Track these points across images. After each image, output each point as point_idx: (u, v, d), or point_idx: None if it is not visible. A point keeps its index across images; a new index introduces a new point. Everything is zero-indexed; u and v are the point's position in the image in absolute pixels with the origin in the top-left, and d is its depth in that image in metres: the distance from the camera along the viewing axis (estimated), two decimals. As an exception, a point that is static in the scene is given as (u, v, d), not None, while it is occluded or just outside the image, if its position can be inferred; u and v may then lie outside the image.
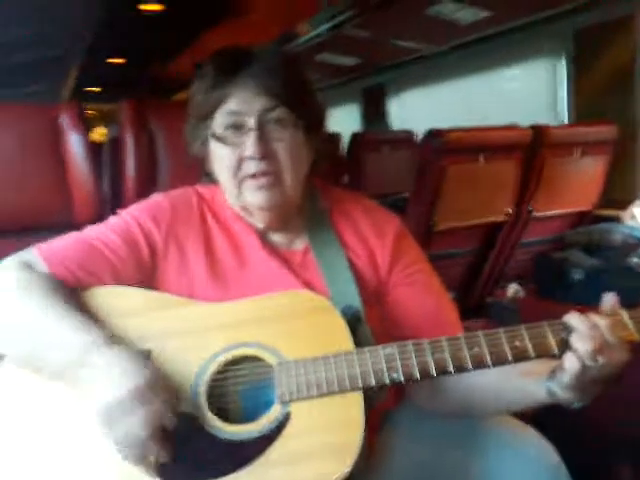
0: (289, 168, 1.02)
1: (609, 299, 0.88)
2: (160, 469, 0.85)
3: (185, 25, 5.15)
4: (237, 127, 1.01)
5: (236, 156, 1.01)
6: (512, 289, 2.56)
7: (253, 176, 1.01)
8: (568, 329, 0.86)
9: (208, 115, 1.03)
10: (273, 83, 1.00)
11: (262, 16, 4.56)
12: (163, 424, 0.83)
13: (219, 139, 1.02)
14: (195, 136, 1.07)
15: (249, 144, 0.99)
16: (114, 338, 0.90)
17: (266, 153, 1.00)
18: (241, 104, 1.00)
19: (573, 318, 0.86)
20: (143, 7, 4.76)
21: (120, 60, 6.89)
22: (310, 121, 1.05)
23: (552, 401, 0.89)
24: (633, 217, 2.64)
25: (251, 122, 1.00)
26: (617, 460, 1.52)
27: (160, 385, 0.85)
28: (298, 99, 1.03)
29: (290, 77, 1.03)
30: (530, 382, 0.92)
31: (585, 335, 0.83)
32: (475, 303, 2.66)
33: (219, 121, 1.02)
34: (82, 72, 6.42)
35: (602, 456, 1.53)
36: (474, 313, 2.56)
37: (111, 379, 0.83)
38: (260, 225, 1.09)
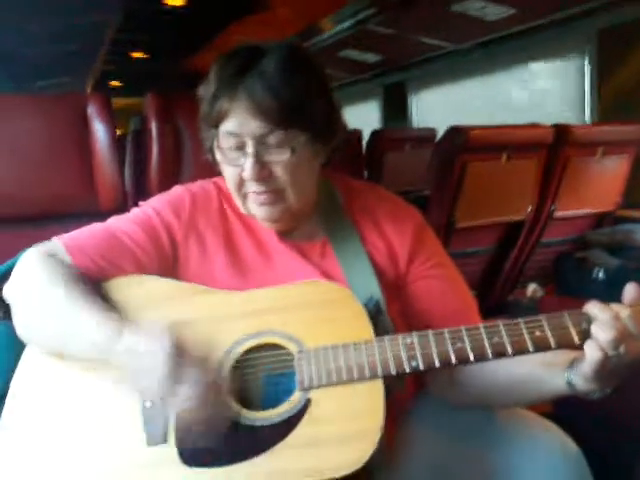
0: (290, 186, 1.02)
1: (632, 289, 0.87)
2: (182, 454, 0.87)
3: (209, 20, 5.16)
4: (238, 147, 1.01)
5: (238, 174, 1.02)
6: (531, 288, 2.54)
7: (255, 192, 1.02)
8: (589, 319, 0.86)
9: (212, 126, 1.03)
10: (270, 105, 0.96)
11: (286, 11, 4.56)
12: (205, 379, 0.86)
13: (222, 156, 1.03)
14: (206, 137, 1.08)
15: (246, 168, 0.99)
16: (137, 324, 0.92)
17: (264, 176, 1.00)
18: (239, 126, 0.99)
19: (594, 307, 0.86)
20: (166, 1, 4.79)
21: (143, 55, 6.93)
22: (316, 130, 1.02)
23: (571, 392, 0.89)
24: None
25: (249, 146, 0.99)
26: (634, 457, 1.51)
27: (183, 351, 0.87)
28: (299, 116, 0.99)
29: (291, 92, 0.98)
30: (549, 373, 0.92)
31: (606, 324, 0.83)
32: (495, 302, 2.65)
33: (222, 136, 1.02)
34: (105, 66, 6.47)
35: (623, 450, 1.52)
36: (494, 312, 2.54)
37: (143, 365, 0.86)
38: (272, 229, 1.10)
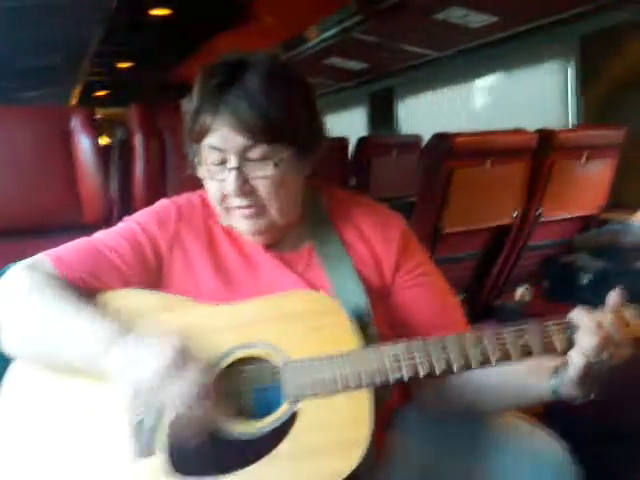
0: (273, 201, 1.02)
1: (615, 295, 0.89)
2: (171, 466, 0.87)
3: (194, 30, 5.18)
4: (220, 162, 1.01)
5: (220, 189, 1.02)
6: (519, 291, 2.56)
7: (238, 207, 1.03)
8: (572, 327, 0.87)
9: (195, 141, 1.03)
10: (253, 120, 0.96)
11: (271, 20, 4.59)
12: (204, 381, 0.85)
13: (204, 171, 1.03)
14: (189, 153, 1.07)
15: (229, 183, 0.99)
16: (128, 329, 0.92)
17: (246, 191, 1.00)
18: (221, 141, 0.99)
19: (578, 314, 0.87)
20: (152, 12, 4.80)
21: (128, 64, 6.94)
22: (299, 144, 1.03)
23: (557, 398, 0.90)
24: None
25: (232, 161, 0.99)
26: (631, 460, 1.52)
27: (189, 350, 0.87)
28: (282, 131, 0.99)
29: (274, 107, 0.98)
30: (535, 379, 0.92)
31: (589, 331, 0.84)
32: (483, 306, 2.66)
33: (204, 151, 1.02)
34: (90, 76, 6.47)
35: (615, 457, 1.53)
36: (482, 316, 2.56)
37: (142, 359, 0.85)
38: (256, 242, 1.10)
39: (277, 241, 1.10)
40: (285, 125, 0.99)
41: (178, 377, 0.84)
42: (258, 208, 1.02)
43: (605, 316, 0.85)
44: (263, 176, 1.00)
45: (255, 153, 0.99)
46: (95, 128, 1.56)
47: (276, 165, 1.00)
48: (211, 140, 1.00)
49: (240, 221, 1.04)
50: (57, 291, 0.95)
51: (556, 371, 0.89)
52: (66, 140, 1.51)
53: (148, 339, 0.88)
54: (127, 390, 0.86)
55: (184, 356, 0.86)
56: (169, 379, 0.84)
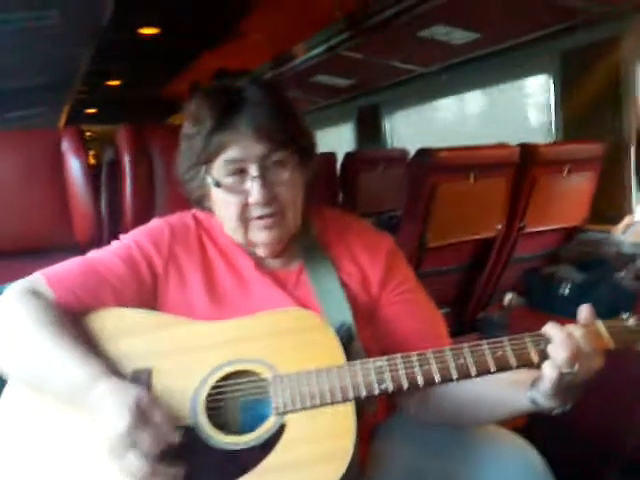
0: (291, 206, 1.08)
1: (585, 310, 0.92)
2: None
3: (182, 48, 5.21)
4: (239, 173, 1.05)
5: (241, 202, 1.05)
6: (508, 297, 2.58)
7: (259, 217, 1.06)
8: (547, 340, 0.91)
9: (207, 161, 1.06)
10: (270, 127, 1.03)
11: (259, 38, 4.63)
12: (167, 442, 0.85)
13: (223, 187, 1.06)
14: (192, 177, 1.10)
15: (254, 191, 1.03)
16: (112, 369, 0.94)
17: (270, 198, 1.04)
18: (241, 151, 1.03)
19: (550, 328, 0.91)
20: (141, 30, 4.83)
21: (117, 82, 6.96)
22: (303, 151, 1.10)
23: (535, 409, 0.93)
24: (625, 232, 2.69)
25: (253, 169, 1.03)
26: (605, 468, 1.55)
27: (156, 406, 0.88)
28: (292, 135, 1.07)
29: (283, 114, 1.06)
30: (514, 391, 0.96)
31: (561, 344, 0.87)
32: (469, 319, 2.69)
33: (219, 167, 1.05)
34: (80, 95, 6.48)
35: (590, 464, 1.56)
36: (467, 329, 2.59)
37: (112, 411, 0.86)
38: (262, 255, 1.13)
39: (276, 255, 1.14)
40: (295, 130, 1.07)
41: (131, 446, 0.84)
42: (277, 217, 1.07)
43: (576, 329, 0.89)
44: (283, 181, 1.06)
45: (274, 158, 1.04)
46: (85, 149, 1.59)
47: (292, 170, 1.06)
48: (230, 154, 1.04)
49: (259, 233, 1.08)
50: (49, 320, 0.97)
51: (534, 383, 0.92)
52: (56, 162, 1.53)
53: (120, 387, 0.89)
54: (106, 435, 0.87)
55: (137, 424, 0.84)
56: (122, 447, 0.84)
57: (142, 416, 0.85)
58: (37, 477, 0.93)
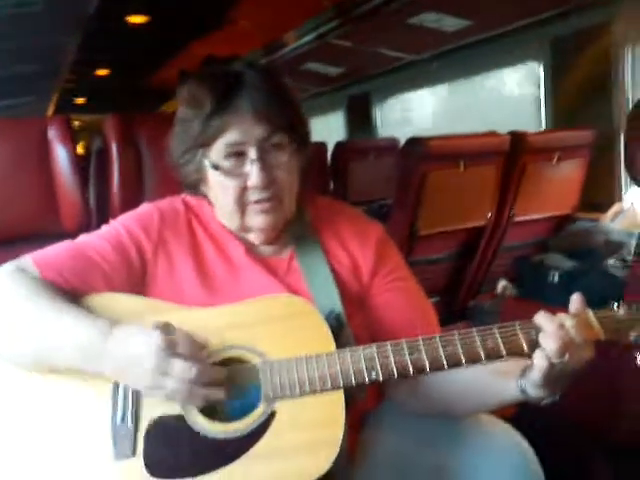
0: (288, 191, 1.08)
1: (576, 299, 0.92)
2: (149, 467, 0.89)
3: (171, 36, 5.18)
4: (237, 156, 1.04)
5: (239, 185, 1.05)
6: (501, 284, 2.59)
7: (256, 201, 1.06)
8: (537, 329, 0.90)
9: (205, 144, 1.05)
10: (270, 110, 1.03)
11: (248, 26, 4.60)
12: (198, 363, 0.89)
13: (221, 170, 1.05)
14: (187, 160, 1.09)
15: (253, 174, 1.03)
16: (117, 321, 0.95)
17: (269, 181, 1.04)
18: (241, 134, 1.03)
19: (541, 318, 0.90)
20: (129, 19, 4.79)
21: (106, 71, 6.90)
22: (300, 136, 1.10)
23: (524, 398, 0.93)
24: (614, 220, 2.71)
25: (252, 152, 1.03)
26: (593, 459, 1.56)
27: (179, 334, 0.91)
28: (291, 120, 1.07)
29: (282, 99, 1.06)
30: (503, 381, 0.96)
31: (552, 334, 0.87)
32: (459, 307, 2.70)
33: (218, 150, 1.05)
34: (68, 84, 6.43)
35: (579, 455, 1.58)
36: (457, 317, 2.60)
37: (140, 347, 0.89)
38: (255, 242, 1.13)
39: (269, 242, 1.14)
40: (293, 115, 1.07)
41: (165, 375, 0.88)
42: (275, 201, 1.06)
43: (567, 319, 0.89)
44: (281, 164, 1.06)
45: (273, 142, 1.04)
46: (72, 137, 1.57)
47: (290, 154, 1.06)
48: (230, 137, 1.03)
49: (256, 217, 1.07)
50: (44, 291, 0.97)
51: (523, 372, 0.92)
52: (44, 150, 1.52)
53: (133, 337, 0.91)
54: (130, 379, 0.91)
55: (168, 353, 0.88)
56: (157, 379, 0.88)
57: (170, 344, 0.88)
58: (29, 455, 0.93)
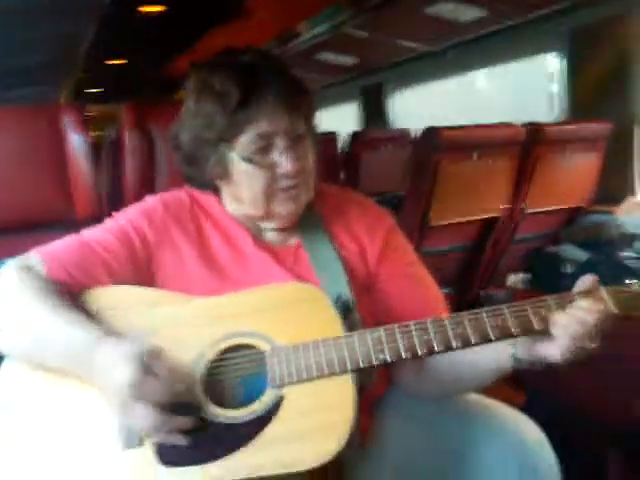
0: (311, 178, 1.10)
1: (588, 278, 0.94)
2: (159, 455, 0.90)
3: (186, 26, 5.18)
4: (266, 148, 1.05)
5: (270, 175, 1.06)
6: (512, 279, 2.57)
7: (285, 189, 1.07)
8: (548, 306, 0.91)
9: (233, 136, 1.05)
10: (293, 100, 1.05)
11: (263, 16, 4.59)
12: (174, 392, 0.88)
13: (251, 162, 1.05)
14: (206, 155, 1.08)
15: (285, 163, 1.04)
16: (109, 332, 0.94)
17: (298, 168, 1.06)
18: (271, 125, 1.04)
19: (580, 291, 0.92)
20: (144, 8, 4.80)
21: (121, 61, 6.93)
22: (314, 126, 1.13)
23: (517, 365, 0.95)
24: (628, 212, 2.68)
25: (283, 141, 1.05)
26: (605, 447, 1.55)
27: (160, 358, 0.90)
28: (309, 109, 1.10)
29: (299, 88, 1.09)
30: (493, 350, 0.97)
31: (588, 311, 0.89)
32: (471, 298, 2.69)
33: (246, 142, 1.05)
34: (82, 73, 6.46)
35: (591, 443, 1.57)
36: (470, 308, 2.58)
37: (118, 365, 0.87)
38: (277, 226, 1.13)
39: (283, 229, 1.15)
40: (308, 100, 1.10)
41: (137, 398, 0.86)
42: (301, 188, 1.08)
43: (581, 301, 0.90)
44: (306, 153, 1.08)
45: (299, 130, 1.07)
46: (86, 125, 1.58)
47: (309, 144, 1.09)
48: (260, 127, 1.04)
49: (285, 204, 1.08)
50: (46, 293, 0.97)
51: (514, 341, 0.93)
52: (57, 138, 1.52)
53: (121, 345, 0.90)
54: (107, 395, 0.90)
55: (142, 377, 0.86)
56: (128, 401, 0.86)
57: (147, 367, 0.87)
58: (37, 447, 0.94)
